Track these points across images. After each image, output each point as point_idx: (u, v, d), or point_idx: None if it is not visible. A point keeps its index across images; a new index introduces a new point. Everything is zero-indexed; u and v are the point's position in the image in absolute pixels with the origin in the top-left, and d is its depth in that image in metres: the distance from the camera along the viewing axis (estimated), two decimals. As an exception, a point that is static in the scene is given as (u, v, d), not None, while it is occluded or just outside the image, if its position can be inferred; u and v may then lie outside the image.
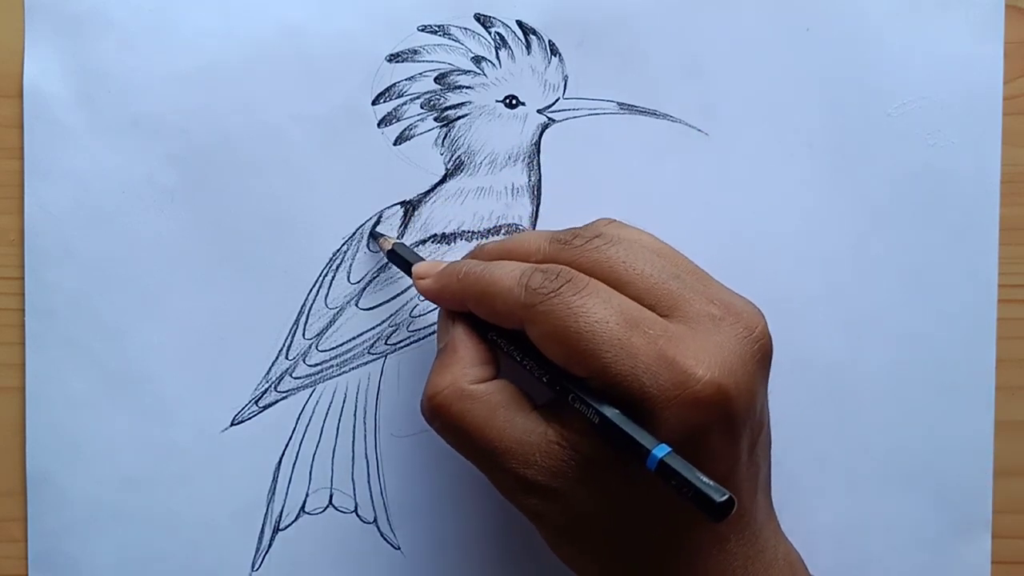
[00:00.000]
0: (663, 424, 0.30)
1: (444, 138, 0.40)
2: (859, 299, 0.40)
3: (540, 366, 0.33)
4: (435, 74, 0.40)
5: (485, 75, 0.40)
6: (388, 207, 0.40)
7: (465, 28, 0.40)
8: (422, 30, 0.40)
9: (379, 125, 0.40)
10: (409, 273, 0.37)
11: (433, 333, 0.40)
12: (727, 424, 0.31)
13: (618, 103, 0.40)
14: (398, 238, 0.40)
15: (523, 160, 0.40)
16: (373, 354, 0.40)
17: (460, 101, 0.40)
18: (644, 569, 0.32)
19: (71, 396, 0.40)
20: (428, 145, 0.40)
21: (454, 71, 0.40)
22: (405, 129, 0.40)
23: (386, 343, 0.40)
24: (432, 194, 0.40)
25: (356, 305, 0.40)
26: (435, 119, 0.40)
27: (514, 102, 0.40)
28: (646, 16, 0.40)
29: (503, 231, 0.40)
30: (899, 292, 0.40)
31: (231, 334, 0.40)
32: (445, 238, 0.40)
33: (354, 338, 0.40)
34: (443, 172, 0.40)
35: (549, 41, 0.40)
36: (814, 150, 0.40)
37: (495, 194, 0.40)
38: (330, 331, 0.40)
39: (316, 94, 0.40)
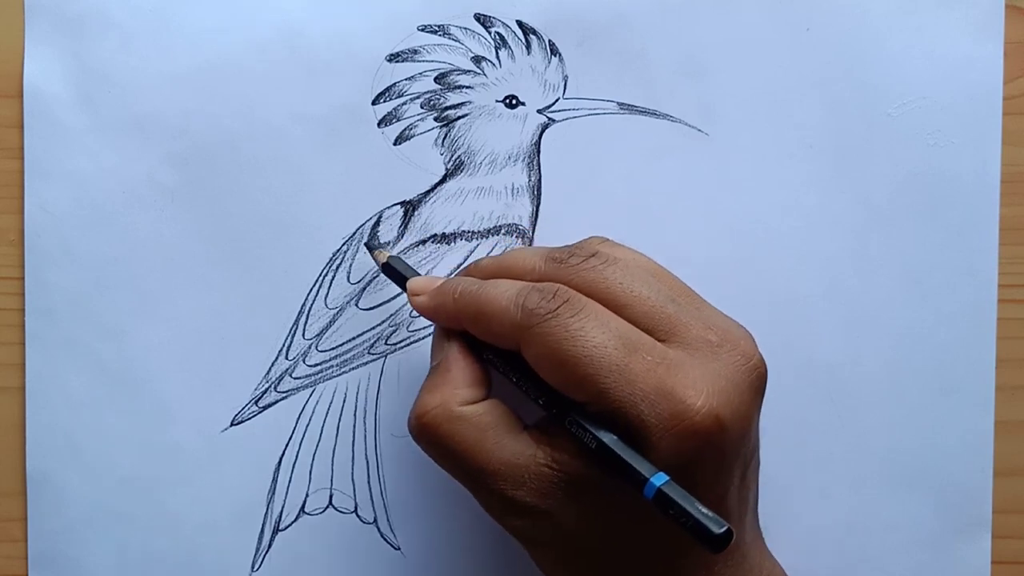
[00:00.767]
0: (659, 452, 0.30)
1: (444, 138, 0.40)
2: (859, 299, 0.40)
3: (536, 388, 0.32)
4: (435, 74, 0.40)
5: (485, 75, 0.40)
6: (388, 207, 0.40)
7: (465, 28, 0.40)
8: (422, 30, 0.40)
9: (379, 125, 0.40)
10: (404, 288, 0.37)
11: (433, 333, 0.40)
12: (722, 453, 0.31)
13: (618, 103, 0.40)
14: (397, 239, 0.40)
15: (523, 160, 0.40)
16: (373, 354, 0.40)
17: (460, 101, 0.40)
18: None
19: (71, 396, 0.40)
20: (428, 145, 0.40)
21: (454, 71, 0.40)
22: (405, 129, 0.40)
23: (386, 343, 0.40)
24: (432, 194, 0.40)
25: (356, 305, 0.40)
26: (435, 119, 0.40)
27: (514, 102, 0.40)
28: (646, 16, 0.40)
29: (503, 231, 0.40)
30: (899, 292, 0.40)
31: (231, 334, 0.40)
32: (445, 238, 0.40)
33: (354, 338, 0.40)
34: (443, 172, 0.40)
35: (549, 41, 0.40)
36: (814, 150, 0.40)
37: (495, 194, 0.40)
38: (330, 331, 0.40)
39: (316, 94, 0.40)
